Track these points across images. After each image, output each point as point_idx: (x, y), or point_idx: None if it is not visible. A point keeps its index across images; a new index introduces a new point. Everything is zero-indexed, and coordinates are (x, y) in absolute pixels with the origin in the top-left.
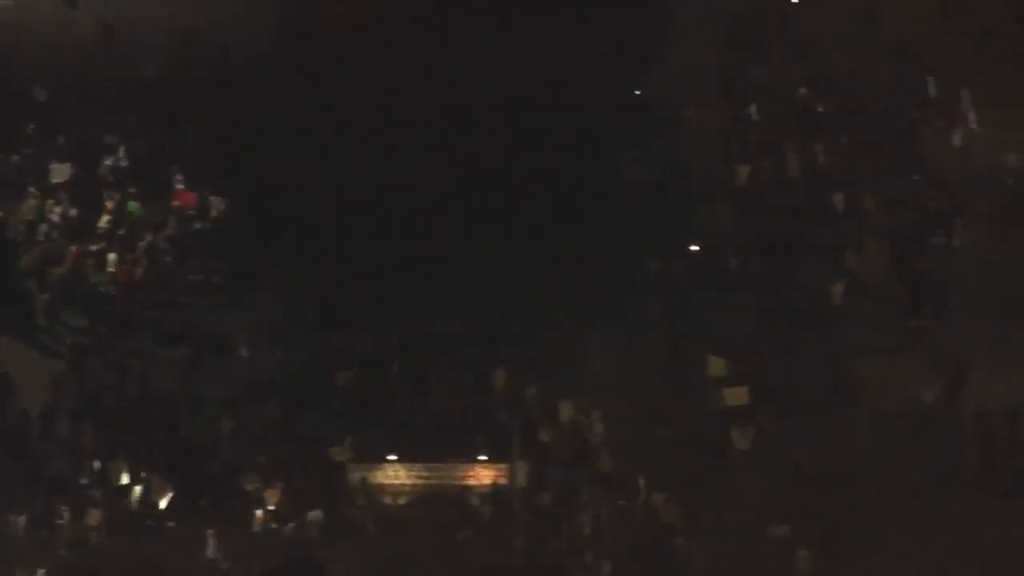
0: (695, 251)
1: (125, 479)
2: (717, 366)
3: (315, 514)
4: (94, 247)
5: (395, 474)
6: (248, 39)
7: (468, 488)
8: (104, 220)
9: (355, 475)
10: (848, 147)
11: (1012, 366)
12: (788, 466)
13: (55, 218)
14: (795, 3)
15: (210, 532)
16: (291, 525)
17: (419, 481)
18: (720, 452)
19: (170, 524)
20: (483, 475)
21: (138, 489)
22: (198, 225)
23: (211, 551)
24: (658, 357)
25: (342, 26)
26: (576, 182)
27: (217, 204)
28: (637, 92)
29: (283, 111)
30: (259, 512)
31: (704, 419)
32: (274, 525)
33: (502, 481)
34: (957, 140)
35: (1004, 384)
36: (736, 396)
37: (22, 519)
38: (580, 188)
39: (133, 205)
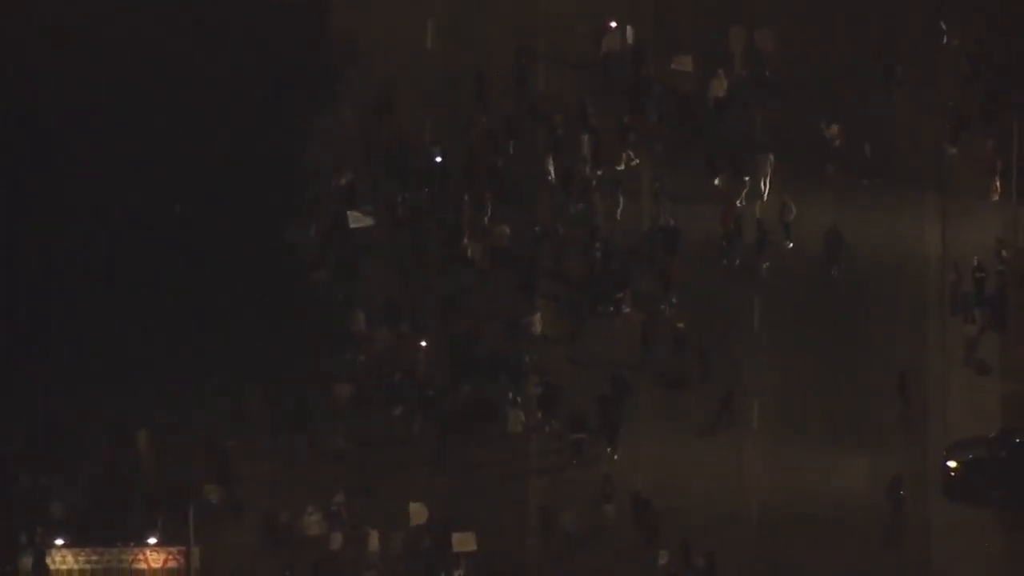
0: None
1: None
2: (418, 514)
3: None
4: None
5: (63, 559)
6: None
7: (138, 572)
8: None
9: (23, 560)
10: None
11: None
12: None
13: None
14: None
15: None
16: None
17: (87, 566)
18: None
19: None
20: (153, 559)
21: None
22: None
23: None
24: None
25: None
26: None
27: None
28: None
29: None
30: None
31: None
32: None
33: (173, 564)
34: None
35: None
36: (464, 542)
37: None
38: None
39: None
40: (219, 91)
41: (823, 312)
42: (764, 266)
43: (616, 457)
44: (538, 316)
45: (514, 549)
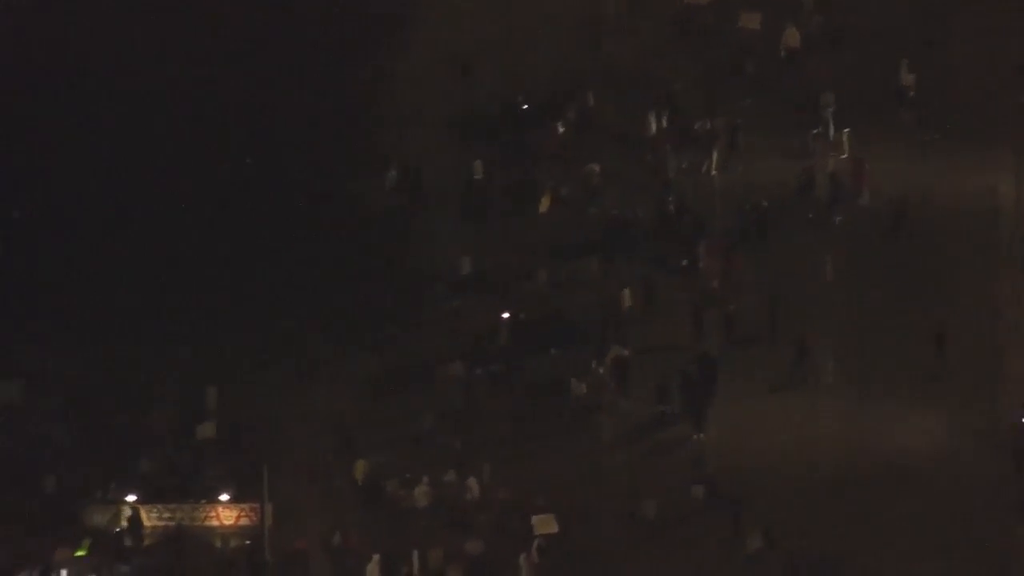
0: None
1: None
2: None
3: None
4: None
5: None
6: None
7: (210, 528)
8: None
9: (96, 516)
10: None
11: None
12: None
13: None
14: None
15: None
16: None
17: (160, 522)
18: None
19: None
20: (225, 515)
21: None
22: None
23: None
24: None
25: None
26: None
27: None
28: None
29: None
30: None
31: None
32: None
33: (245, 521)
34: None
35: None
36: (545, 524)
37: None
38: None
39: None
40: (283, 38)
41: (896, 267)
42: (837, 220)
43: (698, 437)
44: (627, 291)
45: (592, 531)
